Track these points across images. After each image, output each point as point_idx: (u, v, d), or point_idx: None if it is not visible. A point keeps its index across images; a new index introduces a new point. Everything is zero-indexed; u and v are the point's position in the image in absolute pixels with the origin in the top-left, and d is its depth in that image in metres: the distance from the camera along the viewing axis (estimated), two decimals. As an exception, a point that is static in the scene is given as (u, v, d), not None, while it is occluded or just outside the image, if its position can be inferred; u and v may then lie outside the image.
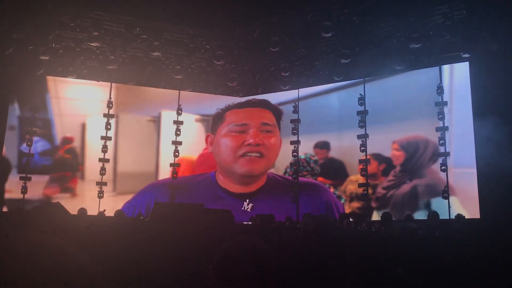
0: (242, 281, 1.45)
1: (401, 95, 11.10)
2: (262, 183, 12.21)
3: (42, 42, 10.70)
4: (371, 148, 11.25)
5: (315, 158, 12.39)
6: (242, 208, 11.73)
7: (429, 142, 10.65)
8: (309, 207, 11.37)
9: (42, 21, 10.23)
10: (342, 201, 11.74)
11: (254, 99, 12.76)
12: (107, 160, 11.73)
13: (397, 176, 10.98)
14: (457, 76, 10.41)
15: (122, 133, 12.48)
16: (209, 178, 12.28)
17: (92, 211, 10.73)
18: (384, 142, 11.26)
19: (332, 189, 11.98)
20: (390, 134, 11.18)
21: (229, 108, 12.43)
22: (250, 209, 11.70)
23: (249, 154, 11.87)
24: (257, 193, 12.08)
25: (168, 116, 12.50)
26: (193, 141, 12.86)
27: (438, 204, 10.12)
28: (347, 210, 11.49)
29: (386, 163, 11.20)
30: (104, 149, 11.73)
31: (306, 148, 12.36)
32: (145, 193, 11.89)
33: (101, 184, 11.59)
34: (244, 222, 10.24)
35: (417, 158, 10.80)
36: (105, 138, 11.81)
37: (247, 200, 11.87)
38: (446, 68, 10.59)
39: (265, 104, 12.56)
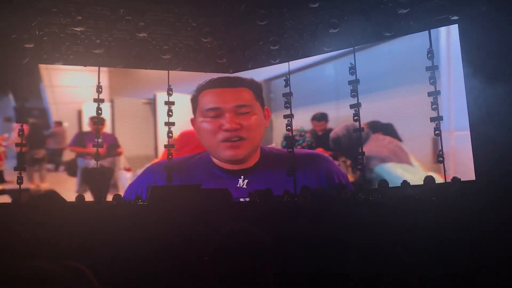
0: (238, 271, 1.45)
1: (395, 61, 11.10)
2: (256, 158, 12.07)
3: (25, 30, 10.50)
4: (368, 116, 11.28)
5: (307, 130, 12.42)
6: (238, 185, 11.66)
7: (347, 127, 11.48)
8: (308, 179, 11.35)
9: (23, 8, 10.00)
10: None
11: (227, 77, 12.43)
12: (101, 146, 11.72)
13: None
14: (453, 39, 10.36)
15: (118, 118, 12.46)
16: (206, 157, 12.14)
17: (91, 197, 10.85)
18: (380, 109, 11.30)
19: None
20: (386, 100, 11.18)
21: (201, 89, 12.00)
22: (246, 185, 11.61)
23: (228, 139, 11.55)
24: (254, 169, 11.95)
25: (163, 98, 12.44)
26: (189, 121, 12.81)
27: (383, 170, 10.93)
28: (350, 179, 11.58)
29: (381, 131, 11.26)
30: (97, 134, 11.69)
31: (304, 120, 12.34)
32: (145, 175, 11.93)
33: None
34: (241, 199, 10.24)
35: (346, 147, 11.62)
36: (97, 123, 11.75)
37: (242, 177, 11.78)
38: (442, 30, 10.52)
39: (239, 82, 12.14)
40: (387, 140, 11.03)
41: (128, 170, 12.25)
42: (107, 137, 12.25)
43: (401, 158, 10.85)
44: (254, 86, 12.07)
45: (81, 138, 12.23)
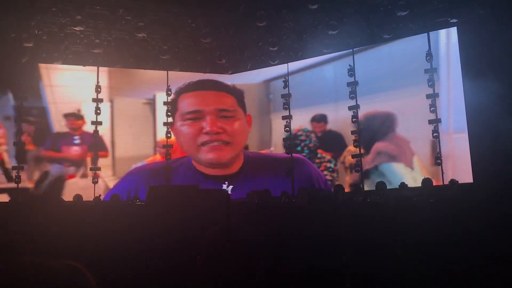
0: (231, 268, 1.45)
1: (394, 63, 11.11)
2: (240, 164, 11.95)
3: (24, 29, 10.49)
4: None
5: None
6: None
7: (387, 117, 11.01)
8: (295, 181, 11.32)
9: (23, 7, 10.00)
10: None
11: (207, 80, 12.30)
12: (101, 148, 11.73)
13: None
14: (453, 41, 10.36)
15: (118, 117, 12.45)
16: (187, 162, 11.96)
17: (90, 196, 10.84)
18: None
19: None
20: (385, 102, 11.19)
21: (180, 92, 11.96)
22: (231, 191, 11.46)
23: (210, 143, 11.42)
24: (238, 174, 11.81)
25: (163, 98, 12.44)
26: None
27: (388, 169, 10.81)
28: (349, 181, 11.59)
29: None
30: (95, 134, 11.68)
31: (303, 121, 12.34)
32: (128, 179, 11.75)
33: (94, 169, 11.59)
34: None
35: (371, 132, 11.25)
36: (96, 123, 11.74)
37: (226, 182, 11.41)
38: (442, 33, 10.53)
39: (221, 87, 12.08)
40: (399, 138, 10.92)
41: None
42: (88, 136, 11.95)
43: (407, 158, 10.78)
44: (236, 93, 12.03)
45: (55, 141, 11.84)
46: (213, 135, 11.38)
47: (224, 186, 11.26)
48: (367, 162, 11.12)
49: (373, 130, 11.17)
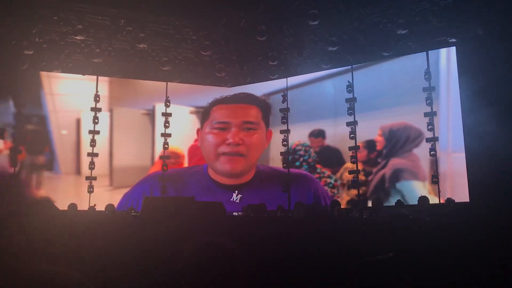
0: (211, 283, 1.42)
1: (394, 80, 11.14)
2: (251, 174, 12.23)
3: (25, 36, 10.52)
4: (367, 135, 11.28)
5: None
6: (231, 199, 11.75)
7: (412, 131, 10.81)
8: (297, 197, 11.43)
9: (24, 15, 10.04)
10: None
11: (241, 93, 12.62)
12: (96, 155, 11.69)
13: (378, 161, 11.20)
14: (453, 60, 10.39)
15: (117, 127, 12.47)
16: (202, 170, 12.31)
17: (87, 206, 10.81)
18: (378, 128, 11.33)
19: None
20: (384, 119, 11.19)
21: (215, 103, 12.38)
22: (239, 200, 11.74)
23: (229, 153, 11.84)
24: (248, 185, 12.11)
25: (162, 109, 12.50)
26: (187, 133, 12.88)
27: (406, 186, 10.64)
28: (346, 197, 11.55)
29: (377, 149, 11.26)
30: (92, 143, 11.68)
31: (301, 136, 12.35)
32: (143, 184, 11.98)
33: (90, 178, 11.55)
34: (234, 213, 10.25)
35: (395, 145, 11.04)
36: (93, 132, 11.75)
37: (236, 192, 11.88)
38: (443, 52, 10.58)
39: (251, 100, 12.44)
40: (414, 155, 10.86)
41: None
42: None
43: (421, 176, 10.72)
44: (264, 106, 12.39)
45: None
46: (233, 146, 11.80)
47: (234, 195, 11.67)
48: (385, 177, 11.01)
49: (398, 141, 11.10)
